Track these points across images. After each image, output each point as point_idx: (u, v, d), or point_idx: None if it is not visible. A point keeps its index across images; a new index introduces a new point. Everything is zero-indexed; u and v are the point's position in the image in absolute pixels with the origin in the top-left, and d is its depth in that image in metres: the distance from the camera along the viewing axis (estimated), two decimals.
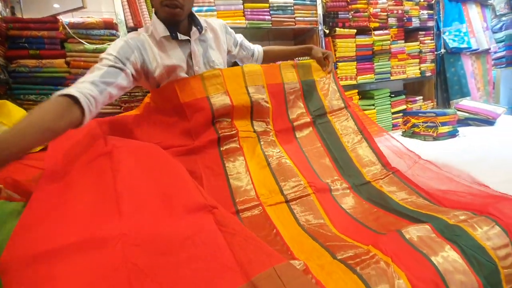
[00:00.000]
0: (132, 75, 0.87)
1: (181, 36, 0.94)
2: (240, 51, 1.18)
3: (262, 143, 0.93)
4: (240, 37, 1.18)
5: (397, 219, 0.70)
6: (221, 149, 0.89)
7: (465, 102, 2.27)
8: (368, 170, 0.95)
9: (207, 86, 0.95)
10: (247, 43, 1.21)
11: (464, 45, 2.51)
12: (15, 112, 1.05)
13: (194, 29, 0.96)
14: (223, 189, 0.80)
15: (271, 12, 1.89)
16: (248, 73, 1.01)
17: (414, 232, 0.59)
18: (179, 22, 0.94)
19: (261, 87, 1.01)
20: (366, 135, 1.03)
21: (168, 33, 0.93)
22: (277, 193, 0.80)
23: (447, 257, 0.53)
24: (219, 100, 0.94)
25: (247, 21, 1.83)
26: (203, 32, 1.00)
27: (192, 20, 0.99)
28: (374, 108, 2.26)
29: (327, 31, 2.05)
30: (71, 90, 0.68)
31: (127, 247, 0.45)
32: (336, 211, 0.77)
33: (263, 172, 0.85)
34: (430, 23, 2.44)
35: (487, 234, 0.57)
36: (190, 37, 0.96)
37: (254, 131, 0.96)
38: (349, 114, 1.08)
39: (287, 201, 0.78)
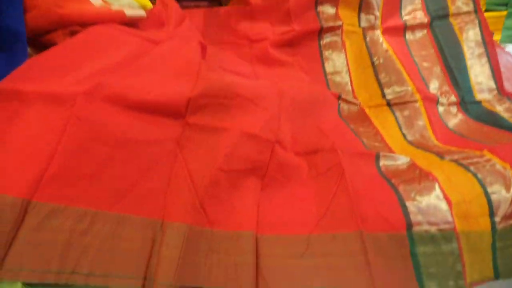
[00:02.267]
0: None
1: None
2: None
3: (367, 39, 0.86)
4: None
5: None
6: (322, 42, 0.86)
7: None
8: (480, 89, 0.84)
9: None
10: None
11: None
12: None
13: None
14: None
15: None
16: None
17: None
18: None
19: None
20: (489, 50, 0.88)
21: None
22: (379, 97, 0.78)
23: None
24: None
25: None
26: None
27: None
28: (506, 9, 1.80)
29: None
30: None
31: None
32: (441, 127, 0.73)
33: (366, 72, 0.82)
34: None
35: None
36: None
37: (360, 26, 0.88)
38: (477, 21, 0.91)
39: (388, 104, 0.76)
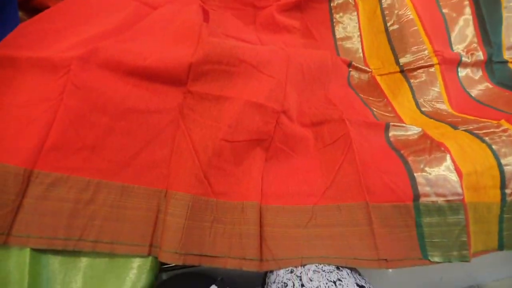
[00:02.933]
0: None
1: None
2: None
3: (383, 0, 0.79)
4: None
5: None
6: (332, 4, 0.79)
7: None
8: (510, 45, 0.76)
9: None
10: None
11: None
12: None
13: None
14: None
15: None
16: None
17: None
18: None
19: None
20: None
21: None
22: (392, 63, 0.73)
23: None
24: None
25: None
26: None
27: None
28: None
29: None
30: None
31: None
32: (458, 93, 0.69)
33: (379, 38, 0.76)
34: None
35: None
36: None
37: None
38: None
39: (402, 71, 0.72)
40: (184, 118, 0.46)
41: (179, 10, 0.53)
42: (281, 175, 0.48)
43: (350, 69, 0.72)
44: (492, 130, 0.51)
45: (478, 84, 0.72)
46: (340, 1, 0.79)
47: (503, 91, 0.69)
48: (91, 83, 0.40)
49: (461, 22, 0.77)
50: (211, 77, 0.46)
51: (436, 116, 0.63)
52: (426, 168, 0.46)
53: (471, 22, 0.77)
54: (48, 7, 0.50)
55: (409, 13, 0.76)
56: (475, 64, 0.74)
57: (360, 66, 0.73)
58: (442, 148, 0.48)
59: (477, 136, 0.50)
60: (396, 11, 0.77)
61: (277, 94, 0.48)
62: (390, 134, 0.53)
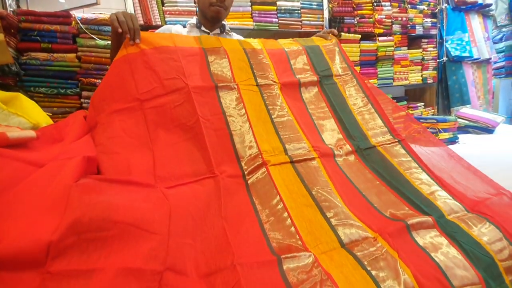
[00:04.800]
0: None
1: (203, 27, 1.17)
2: None
3: (265, 97, 0.91)
4: None
5: (399, 200, 0.73)
6: (222, 101, 0.85)
7: (465, 110, 2.31)
8: (374, 133, 0.94)
9: (202, 40, 0.97)
10: None
11: (466, 54, 2.56)
12: (28, 105, 1.07)
13: (217, 28, 1.19)
14: (228, 149, 0.78)
15: (278, 15, 1.92)
16: (244, 41, 1.05)
17: (418, 226, 0.62)
18: (220, 20, 1.14)
19: (260, 50, 1.02)
20: (372, 100, 1.03)
21: (194, 22, 1.16)
22: (281, 152, 0.80)
23: (447, 254, 0.56)
24: (212, 45, 0.95)
25: (254, 23, 1.86)
26: (224, 33, 1.18)
27: (222, 25, 1.21)
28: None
29: None
30: None
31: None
32: (340, 179, 0.77)
33: (266, 127, 0.85)
34: (433, 31, 2.49)
35: (480, 231, 0.61)
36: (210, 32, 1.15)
37: (257, 85, 0.93)
38: (355, 80, 1.08)
39: (292, 162, 0.78)
40: None
41: (58, 168, 0.52)
42: None
43: (247, 177, 0.74)
44: (370, 250, 0.56)
45: (355, 168, 0.82)
46: (228, 98, 0.87)
47: (375, 178, 0.80)
48: None
49: (326, 123, 0.95)
50: (77, 249, 0.41)
51: (328, 211, 0.66)
52: None
53: (334, 124, 0.95)
54: None
55: (286, 111, 0.90)
56: (347, 154, 0.86)
57: (252, 166, 0.75)
58: (330, 282, 0.49)
59: (358, 260, 0.54)
60: (275, 106, 0.90)
61: (157, 253, 0.45)
62: (285, 267, 0.53)
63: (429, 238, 0.60)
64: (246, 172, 0.75)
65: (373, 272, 0.52)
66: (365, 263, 0.54)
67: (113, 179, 0.57)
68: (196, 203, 0.59)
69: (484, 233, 0.60)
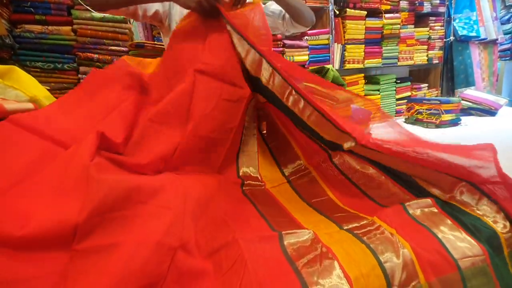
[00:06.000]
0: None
1: None
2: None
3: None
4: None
5: (400, 189, 0.72)
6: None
7: (469, 92, 2.29)
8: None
9: None
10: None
11: (473, 34, 2.49)
12: (24, 78, 1.04)
13: None
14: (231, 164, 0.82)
15: None
16: None
17: (416, 206, 0.62)
18: None
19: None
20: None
21: None
22: (279, 175, 0.84)
23: (448, 229, 0.56)
24: None
25: None
26: None
27: None
28: (379, 94, 2.26)
29: (337, 12, 2.01)
30: None
31: None
32: (337, 181, 0.78)
33: (265, 154, 0.88)
34: (442, 9, 2.40)
35: (477, 206, 0.61)
36: None
37: None
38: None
39: (289, 181, 0.82)
40: (66, 280, 0.40)
41: (75, 148, 0.52)
42: None
43: (244, 188, 0.78)
44: (368, 228, 0.57)
45: (352, 164, 0.81)
46: None
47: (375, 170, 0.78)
48: None
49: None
50: (102, 228, 0.43)
51: (326, 211, 0.68)
52: (320, 280, 0.47)
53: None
54: None
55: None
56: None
57: (253, 182, 0.81)
58: (330, 255, 0.50)
59: (357, 236, 0.55)
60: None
61: (175, 228, 0.46)
62: (285, 242, 0.54)
63: (428, 214, 0.60)
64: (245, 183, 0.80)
65: (372, 245, 0.52)
66: (364, 238, 0.54)
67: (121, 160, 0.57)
68: (201, 190, 0.60)
69: (484, 208, 0.61)
